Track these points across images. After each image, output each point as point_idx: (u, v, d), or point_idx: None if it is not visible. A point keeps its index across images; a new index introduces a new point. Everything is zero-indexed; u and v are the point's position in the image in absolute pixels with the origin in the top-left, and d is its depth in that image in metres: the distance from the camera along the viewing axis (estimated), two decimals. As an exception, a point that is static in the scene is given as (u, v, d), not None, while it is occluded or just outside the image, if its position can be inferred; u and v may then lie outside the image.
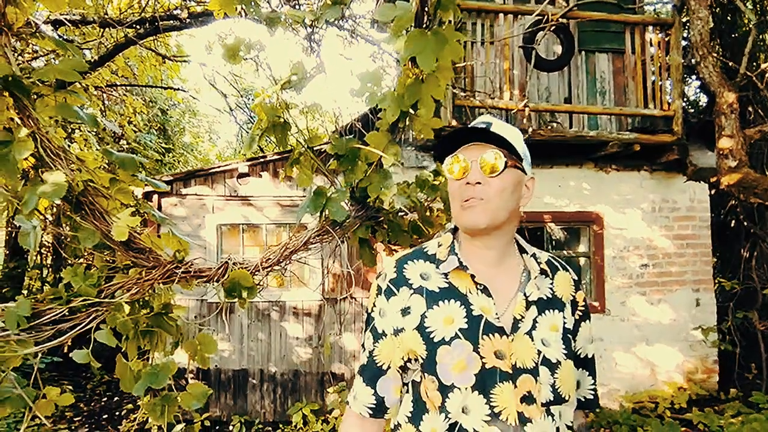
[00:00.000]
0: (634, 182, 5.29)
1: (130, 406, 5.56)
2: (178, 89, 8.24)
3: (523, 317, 1.07)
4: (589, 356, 1.22)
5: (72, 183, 1.92)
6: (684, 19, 5.18)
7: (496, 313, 1.06)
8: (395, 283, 1.13)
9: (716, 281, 5.46)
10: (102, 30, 4.71)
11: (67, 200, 1.96)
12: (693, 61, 4.41)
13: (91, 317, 1.99)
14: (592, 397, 1.23)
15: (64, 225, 2.09)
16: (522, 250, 1.20)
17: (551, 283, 1.16)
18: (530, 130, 4.42)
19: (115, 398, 5.88)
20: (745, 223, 5.83)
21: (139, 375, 1.99)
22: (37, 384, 1.84)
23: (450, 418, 1.02)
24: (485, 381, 1.02)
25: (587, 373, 1.22)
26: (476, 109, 4.75)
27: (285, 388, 5.05)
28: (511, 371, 1.02)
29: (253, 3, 2.17)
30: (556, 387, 1.04)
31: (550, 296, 1.13)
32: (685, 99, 7.64)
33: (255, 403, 5.03)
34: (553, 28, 4.51)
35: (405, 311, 1.10)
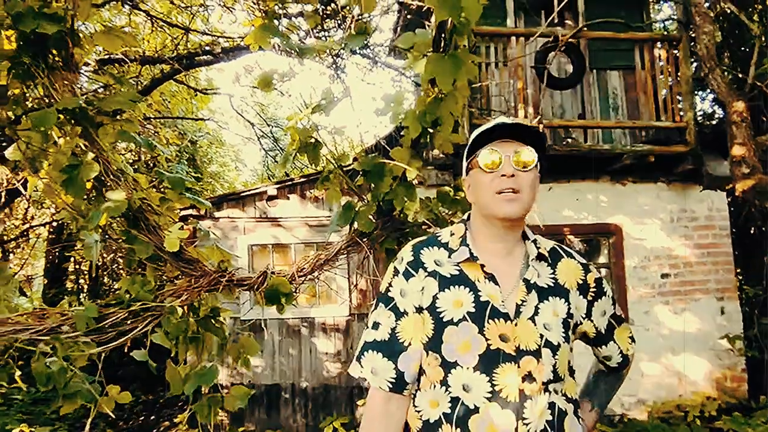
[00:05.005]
0: (651, 193, 5.39)
1: (166, 423, 5.75)
2: (208, 119, 8.64)
3: (525, 302, 1.15)
4: (617, 313, 1.32)
5: (130, 201, 2.14)
6: (692, 34, 5.32)
7: (502, 301, 1.14)
8: (413, 266, 1.21)
9: (740, 289, 5.46)
10: (140, 67, 5.09)
11: (125, 216, 2.19)
12: (702, 74, 4.56)
13: (147, 321, 2.20)
14: (630, 351, 1.34)
15: (109, 243, 2.32)
16: (525, 237, 1.27)
17: (552, 272, 1.22)
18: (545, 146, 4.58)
19: (152, 417, 6.09)
20: (764, 229, 5.85)
21: (187, 378, 2.18)
22: (101, 383, 2.05)
23: (451, 392, 1.10)
24: (488, 361, 1.09)
25: (620, 327, 1.32)
26: (493, 128, 4.94)
27: (316, 403, 5.19)
28: (514, 353, 1.10)
29: (284, 36, 2.42)
30: (556, 367, 1.12)
31: (552, 284, 1.20)
32: (700, 111, 7.72)
33: (287, 417, 5.18)
34: (564, 48, 4.72)
35: (421, 291, 1.18)
